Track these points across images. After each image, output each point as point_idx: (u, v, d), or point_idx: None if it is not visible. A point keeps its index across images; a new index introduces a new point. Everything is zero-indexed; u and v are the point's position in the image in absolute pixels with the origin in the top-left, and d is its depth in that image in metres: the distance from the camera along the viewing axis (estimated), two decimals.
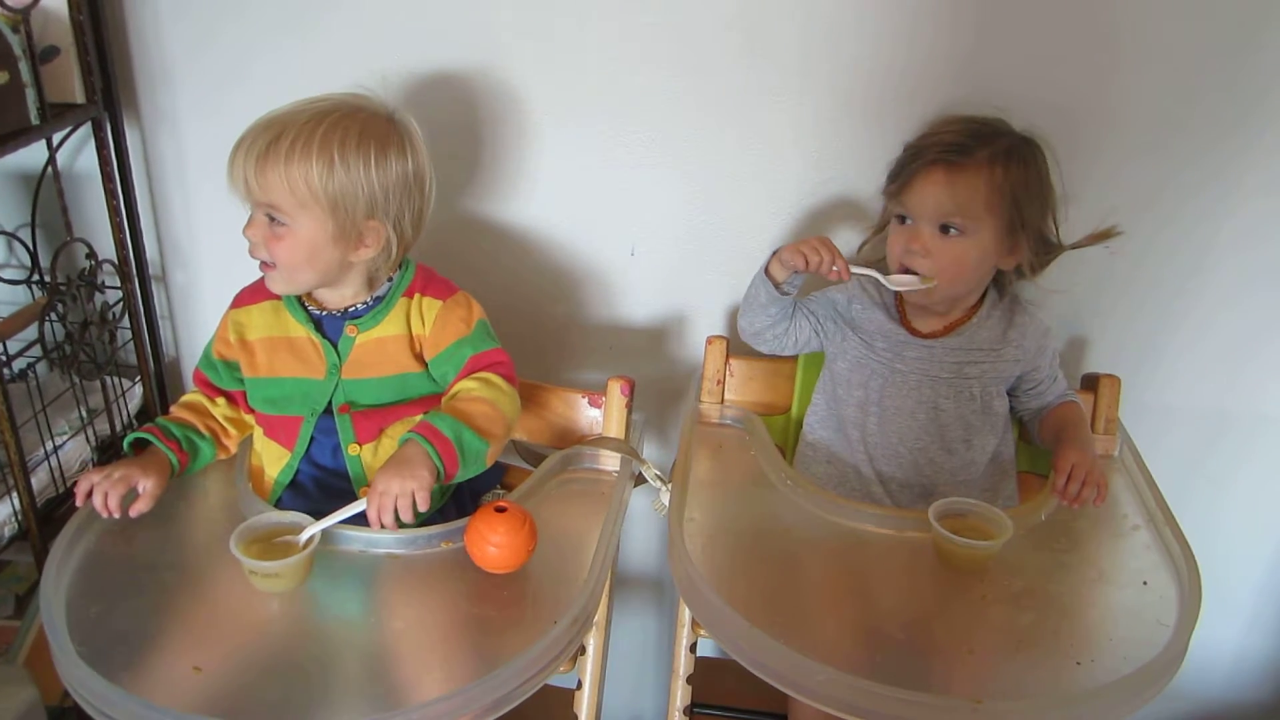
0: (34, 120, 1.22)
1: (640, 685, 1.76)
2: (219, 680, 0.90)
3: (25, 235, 1.44)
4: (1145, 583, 1.06)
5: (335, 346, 1.14)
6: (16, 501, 1.23)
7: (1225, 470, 1.48)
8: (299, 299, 1.15)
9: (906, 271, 1.18)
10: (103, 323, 1.37)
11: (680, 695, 1.31)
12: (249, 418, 1.19)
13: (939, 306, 1.22)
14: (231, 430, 1.19)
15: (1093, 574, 1.08)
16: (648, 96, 1.32)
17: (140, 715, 0.86)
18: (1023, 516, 1.12)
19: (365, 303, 1.15)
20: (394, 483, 1.00)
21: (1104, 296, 1.38)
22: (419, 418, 1.10)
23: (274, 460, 1.15)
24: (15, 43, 1.18)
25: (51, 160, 1.39)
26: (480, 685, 0.89)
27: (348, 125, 1.06)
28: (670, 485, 1.17)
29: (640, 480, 1.22)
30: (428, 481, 1.01)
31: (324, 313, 1.15)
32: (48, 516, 1.27)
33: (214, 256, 1.49)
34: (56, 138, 1.37)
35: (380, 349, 1.14)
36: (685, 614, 1.30)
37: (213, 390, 1.19)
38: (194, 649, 0.93)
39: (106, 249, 1.40)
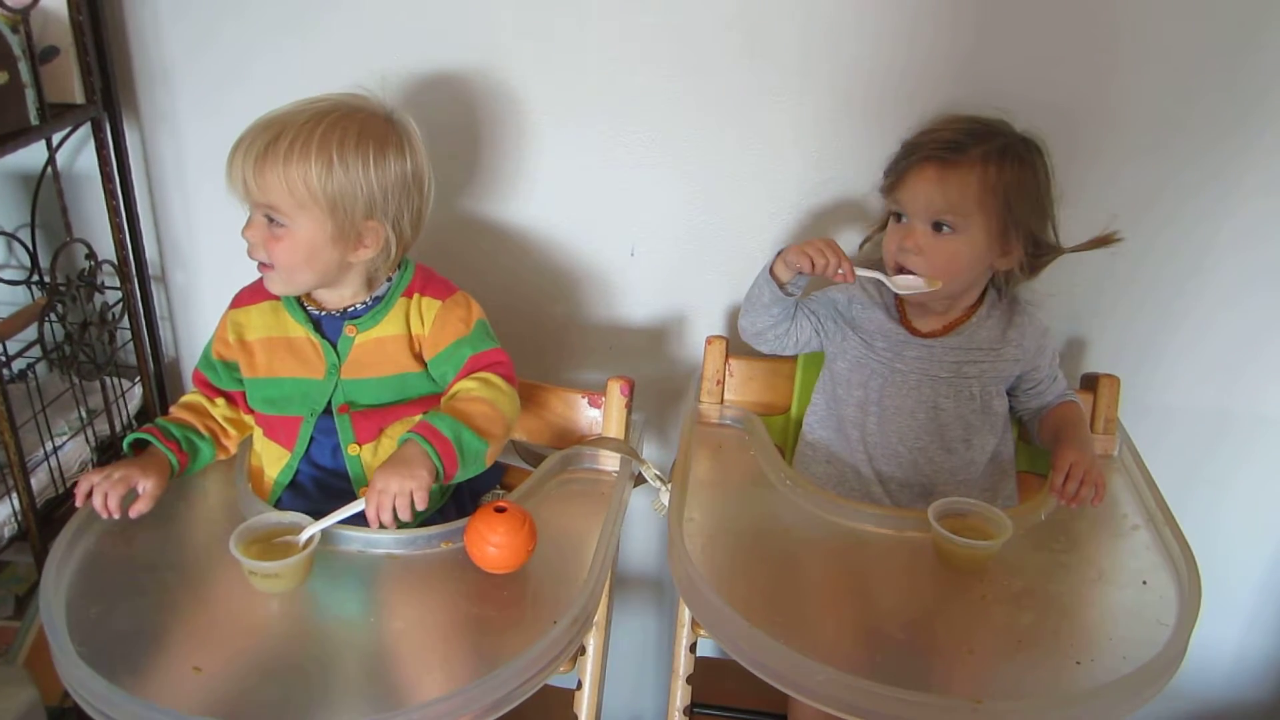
0: (33, 120, 1.22)
1: (640, 685, 1.76)
2: (219, 680, 0.90)
3: (25, 235, 1.44)
4: (1145, 582, 1.06)
5: (334, 346, 1.14)
6: (16, 502, 1.23)
7: (1225, 470, 1.48)
8: (298, 299, 1.15)
9: (901, 270, 1.18)
10: (102, 323, 1.37)
11: (680, 695, 1.31)
12: (248, 418, 1.19)
13: (937, 305, 1.22)
14: (231, 431, 1.19)
15: (1092, 574, 1.08)
16: (648, 96, 1.32)
17: (140, 716, 0.86)
18: (1022, 516, 1.12)
19: (364, 303, 1.15)
20: (393, 481, 1.00)
21: (1104, 297, 1.38)
22: (418, 418, 1.10)
23: (273, 460, 1.15)
24: (15, 43, 1.18)
25: (51, 160, 1.39)
26: (480, 685, 0.89)
27: (346, 125, 1.06)
28: (670, 485, 1.17)
29: (640, 480, 1.22)
30: (426, 481, 1.01)
31: (323, 313, 1.15)
32: (47, 517, 1.27)
33: (214, 257, 1.49)
34: (56, 138, 1.37)
35: (379, 349, 1.14)
36: (685, 614, 1.30)
37: (212, 391, 1.19)
38: (194, 649, 0.93)
39: (106, 249, 1.40)
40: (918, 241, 1.16)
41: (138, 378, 1.47)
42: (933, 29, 1.25)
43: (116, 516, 1.06)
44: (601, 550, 1.06)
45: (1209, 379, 1.42)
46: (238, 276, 1.19)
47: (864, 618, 1.02)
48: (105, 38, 1.31)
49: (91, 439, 1.36)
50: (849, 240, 1.33)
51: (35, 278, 1.44)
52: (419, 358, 1.15)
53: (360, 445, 1.13)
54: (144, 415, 1.48)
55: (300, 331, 1.15)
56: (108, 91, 1.33)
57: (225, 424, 1.18)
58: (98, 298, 1.37)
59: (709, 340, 1.33)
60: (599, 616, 1.18)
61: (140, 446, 1.12)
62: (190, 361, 1.57)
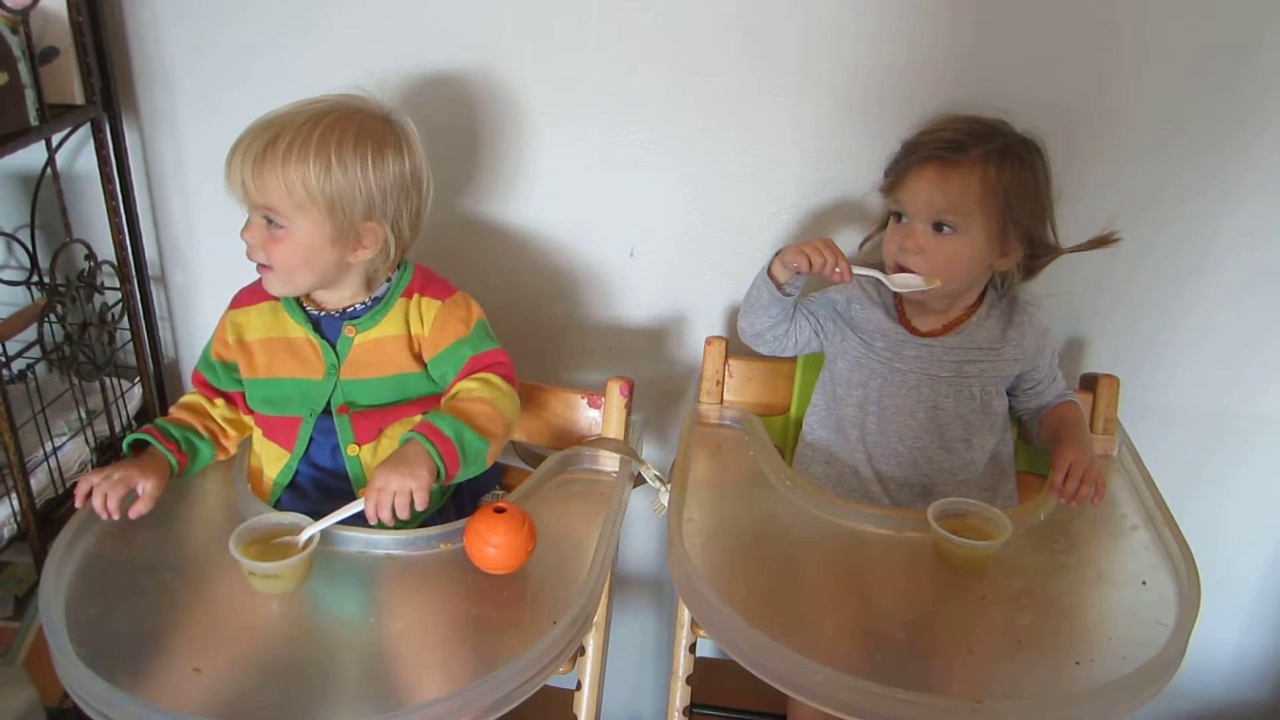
0: (33, 121, 1.22)
1: (639, 686, 1.76)
2: (218, 681, 0.90)
3: (24, 236, 1.44)
4: (1144, 583, 1.06)
5: (334, 347, 1.14)
6: (16, 502, 1.23)
7: (1224, 471, 1.48)
8: (297, 300, 1.15)
9: (902, 270, 1.18)
10: (102, 324, 1.37)
11: (679, 695, 1.31)
12: (248, 419, 1.19)
13: (936, 305, 1.22)
14: (230, 431, 1.19)
15: (1092, 574, 1.08)
16: (647, 96, 1.32)
17: (140, 717, 0.86)
18: (1022, 516, 1.12)
19: (364, 303, 1.15)
20: (393, 479, 1.00)
21: (1103, 297, 1.38)
22: (418, 418, 1.10)
23: (273, 461, 1.15)
24: (14, 44, 1.18)
25: (51, 161, 1.39)
26: (480, 686, 0.89)
27: (345, 126, 1.06)
28: (669, 486, 1.17)
29: (639, 481, 1.22)
30: (427, 481, 1.01)
31: (322, 313, 1.15)
32: (47, 517, 1.27)
33: (213, 257, 1.49)
34: (56, 138, 1.37)
35: (379, 349, 1.14)
36: (684, 614, 1.30)
37: (211, 391, 1.19)
38: (193, 650, 0.93)
39: (106, 250, 1.40)
40: (918, 241, 1.16)
41: (137, 378, 1.47)
42: (933, 29, 1.25)
43: (116, 517, 1.06)
44: (601, 551, 1.06)
45: (1208, 379, 1.42)
46: (237, 277, 1.19)
47: (863, 618, 1.02)
48: (105, 38, 1.31)
49: (91, 439, 1.36)
50: (848, 240, 1.33)
51: (35, 278, 1.44)
52: (418, 358, 1.15)
53: (360, 446, 1.13)
54: (143, 416, 1.48)
55: (299, 332, 1.15)
56: (107, 92, 1.33)
57: (225, 424, 1.18)
58: (97, 298, 1.37)
59: (708, 341, 1.33)
60: (598, 617, 1.18)
61: (140, 447, 1.12)
62: (190, 362, 1.57)
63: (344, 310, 1.15)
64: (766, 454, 1.23)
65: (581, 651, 1.20)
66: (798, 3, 1.25)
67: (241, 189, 1.06)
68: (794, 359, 1.33)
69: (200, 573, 1.04)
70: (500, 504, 1.03)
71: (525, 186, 1.39)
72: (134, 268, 1.43)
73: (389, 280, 1.16)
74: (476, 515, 1.02)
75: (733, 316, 1.42)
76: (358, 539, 1.05)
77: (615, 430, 1.25)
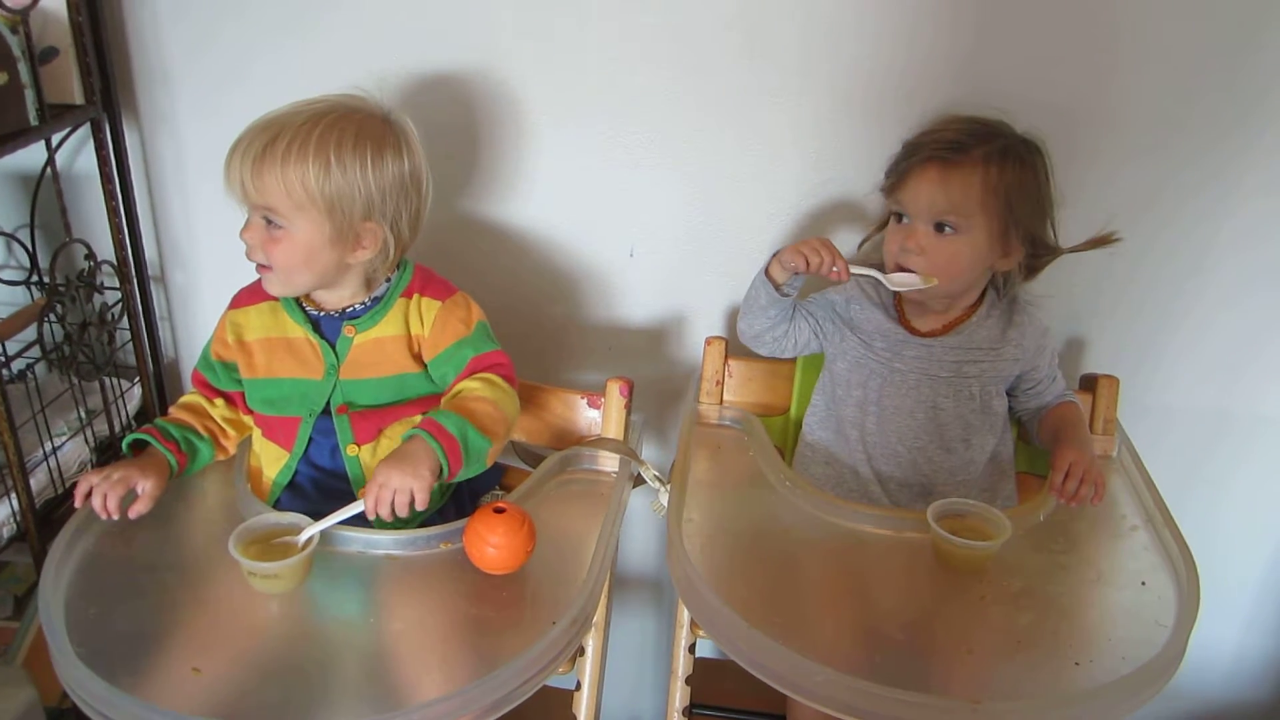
0: (33, 121, 1.22)
1: (639, 686, 1.76)
2: (218, 681, 0.90)
3: (24, 236, 1.44)
4: (1144, 583, 1.06)
5: (333, 347, 1.14)
6: (15, 502, 1.23)
7: (1224, 471, 1.48)
8: (297, 300, 1.15)
9: (902, 270, 1.18)
10: (101, 324, 1.37)
11: (679, 696, 1.31)
12: (247, 419, 1.19)
13: (936, 305, 1.22)
14: (230, 431, 1.19)
15: (1091, 574, 1.08)
16: (647, 96, 1.32)
17: (140, 717, 0.86)
18: (1021, 517, 1.12)
19: (363, 303, 1.15)
20: (394, 476, 1.00)
21: (1103, 297, 1.38)
22: (418, 418, 1.10)
23: (272, 461, 1.15)
24: (14, 44, 1.18)
25: (50, 161, 1.39)
26: (479, 686, 0.89)
27: (344, 127, 1.06)
28: (669, 486, 1.17)
29: (639, 481, 1.22)
30: (428, 481, 1.01)
31: (322, 313, 1.15)
32: (46, 517, 1.27)
33: (213, 257, 1.49)
34: (55, 138, 1.37)
35: (378, 349, 1.14)
36: (684, 614, 1.30)
37: (211, 391, 1.19)
38: (193, 650, 0.93)
39: (105, 250, 1.40)
40: (920, 242, 1.16)
41: (137, 378, 1.47)
42: (933, 29, 1.25)
43: (116, 517, 1.06)
44: (600, 551, 1.06)
45: (1208, 379, 1.42)
46: (237, 277, 1.19)
47: (863, 618, 1.02)
48: (105, 38, 1.31)
49: (91, 439, 1.36)
50: (848, 241, 1.33)
51: (35, 278, 1.44)
52: (418, 358, 1.15)
53: (359, 446, 1.13)
54: (143, 416, 1.48)
55: (299, 332, 1.15)
56: (107, 92, 1.33)
57: (224, 424, 1.18)
58: (97, 298, 1.37)
59: (708, 341, 1.33)
60: (598, 617, 1.18)
61: (139, 447, 1.12)
62: (189, 362, 1.57)
63: (343, 310, 1.15)
64: (766, 454, 1.23)
65: (581, 652, 1.21)
66: (798, 3, 1.25)
67: (241, 189, 1.06)
68: (793, 360, 1.33)
69: (200, 573, 1.04)
70: (500, 504, 1.03)
71: (525, 186, 1.40)
72: (134, 268, 1.43)
73: (388, 280, 1.16)
74: (476, 515, 1.02)
75: (732, 317, 1.42)
76: (357, 539, 1.05)
77: (615, 430, 1.25)
